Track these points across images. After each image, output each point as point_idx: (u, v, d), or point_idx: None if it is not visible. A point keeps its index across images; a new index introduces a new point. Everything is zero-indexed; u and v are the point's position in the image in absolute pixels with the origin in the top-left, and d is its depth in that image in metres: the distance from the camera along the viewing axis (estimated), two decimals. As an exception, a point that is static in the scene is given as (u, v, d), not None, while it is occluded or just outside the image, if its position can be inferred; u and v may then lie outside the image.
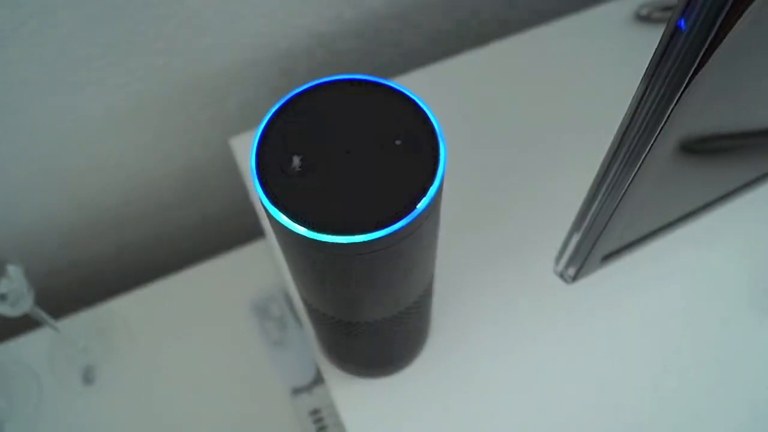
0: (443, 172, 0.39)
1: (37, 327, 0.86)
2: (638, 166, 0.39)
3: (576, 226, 0.49)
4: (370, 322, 0.50)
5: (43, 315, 0.76)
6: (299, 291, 0.50)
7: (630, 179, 0.40)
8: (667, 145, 0.37)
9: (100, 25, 0.68)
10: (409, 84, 0.82)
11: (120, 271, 1.02)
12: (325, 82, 0.42)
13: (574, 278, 0.53)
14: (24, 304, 0.71)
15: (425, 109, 0.41)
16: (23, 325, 0.85)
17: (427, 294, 0.53)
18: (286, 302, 0.85)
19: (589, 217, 0.46)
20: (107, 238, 0.96)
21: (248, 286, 0.86)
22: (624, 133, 0.38)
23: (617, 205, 0.43)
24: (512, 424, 0.63)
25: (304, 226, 0.38)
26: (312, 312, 0.52)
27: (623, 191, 0.42)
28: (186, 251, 1.05)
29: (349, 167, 0.39)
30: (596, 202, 0.45)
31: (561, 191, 0.74)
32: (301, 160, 0.39)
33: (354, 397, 0.64)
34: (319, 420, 0.78)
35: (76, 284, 1.00)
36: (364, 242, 0.37)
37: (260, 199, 0.39)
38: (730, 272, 0.70)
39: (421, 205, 0.38)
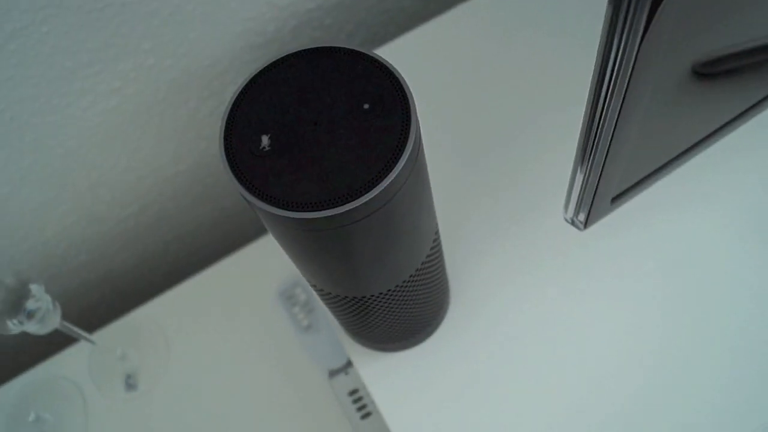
0: (416, 130, 0.38)
1: (74, 342, 0.87)
2: (624, 89, 0.36)
3: (576, 166, 0.46)
4: (377, 295, 0.49)
5: (73, 329, 0.77)
6: (302, 272, 0.49)
7: (619, 105, 0.38)
8: (651, 68, 0.35)
9: (84, 32, 0.68)
10: (400, 48, 0.80)
11: (146, 276, 1.03)
12: (287, 56, 0.40)
13: (586, 224, 0.51)
14: (52, 321, 0.72)
15: (392, 69, 0.39)
16: (60, 342, 0.86)
17: (432, 260, 0.51)
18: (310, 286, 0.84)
19: (586, 154, 0.44)
20: (129, 246, 0.97)
21: (272, 275, 0.86)
22: (603, 59, 0.36)
23: (612, 136, 0.41)
24: (540, 382, 0.62)
25: (279, 206, 0.36)
26: (320, 292, 0.51)
27: (615, 120, 0.39)
28: (209, 247, 1.05)
29: (319, 139, 0.38)
30: (591, 137, 0.42)
31: (559, 137, 0.71)
32: (270, 138, 0.38)
33: (381, 373, 0.63)
34: (358, 399, 0.77)
35: (105, 295, 1.00)
36: (342, 214, 0.36)
37: (234, 184, 0.38)
38: (750, 203, 0.67)
39: (397, 168, 0.36)
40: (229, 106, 0.39)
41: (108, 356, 0.87)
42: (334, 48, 0.40)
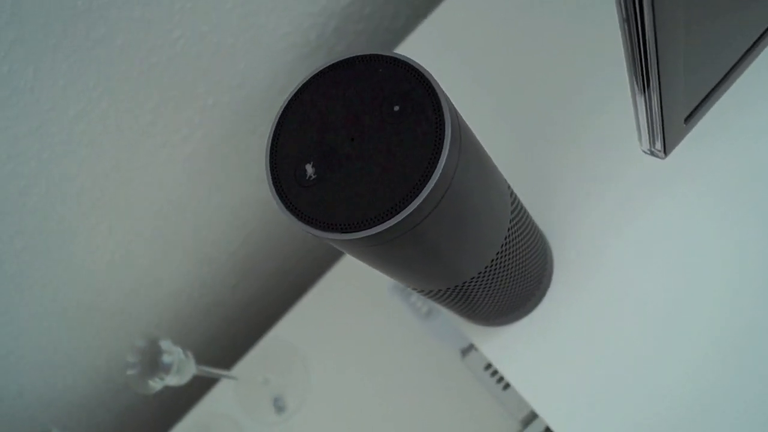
0: (452, 118, 0.37)
1: (215, 381, 0.91)
2: None
3: (634, 95, 0.44)
4: (469, 281, 0.48)
5: (211, 371, 0.80)
6: (392, 278, 0.49)
7: (652, 15, 0.35)
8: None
9: (140, 95, 0.70)
10: (440, 21, 0.78)
11: (266, 299, 1.06)
12: (310, 79, 0.40)
13: (665, 150, 0.49)
14: (189, 369, 0.75)
15: (413, 64, 0.38)
16: (204, 385, 0.91)
17: (518, 232, 0.50)
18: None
19: (638, 77, 0.42)
20: (246, 275, 1.00)
21: (380, 273, 0.87)
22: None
23: (656, 49, 0.38)
24: (657, 333, 0.59)
25: (342, 231, 0.37)
26: (415, 290, 0.51)
27: (653, 32, 0.37)
28: (319, 258, 1.06)
29: (359, 155, 0.37)
30: (636, 59, 0.40)
31: (607, 78, 0.67)
32: (313, 166, 0.38)
33: (502, 347, 0.62)
34: (495, 372, 0.77)
35: (232, 328, 1.04)
36: (402, 221, 0.36)
37: (296, 223, 0.38)
38: None
39: (441, 160, 0.36)
40: (270, 140, 0.40)
41: (252, 385, 0.90)
42: (351, 58, 0.39)
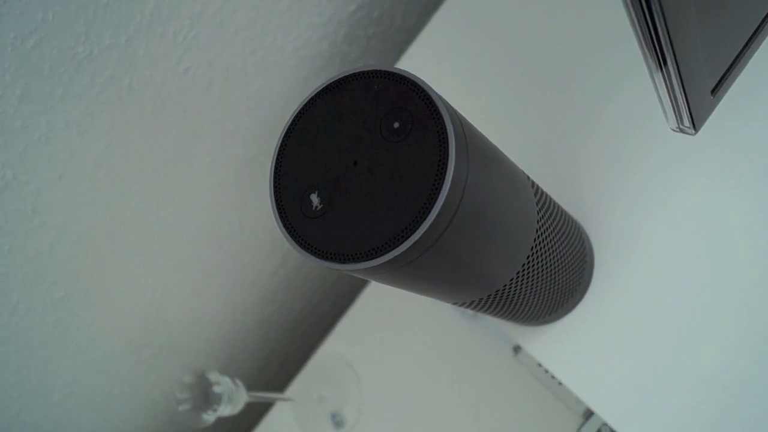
0: (454, 126, 0.35)
1: (270, 406, 0.91)
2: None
3: (652, 72, 0.41)
4: (503, 287, 0.46)
5: (264, 396, 0.80)
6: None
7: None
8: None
9: (157, 134, 0.70)
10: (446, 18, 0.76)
11: (313, 315, 1.05)
12: (307, 103, 0.39)
13: (695, 126, 0.46)
14: (240, 397, 0.75)
15: (406, 75, 0.36)
16: (261, 410, 0.90)
17: (548, 231, 0.48)
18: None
19: (652, 52, 0.39)
20: (289, 294, 0.99)
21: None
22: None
23: (665, 20, 0.36)
24: (706, 316, 0.57)
25: (360, 260, 0.35)
26: (450, 303, 0.49)
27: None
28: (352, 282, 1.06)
29: (363, 179, 0.36)
30: (647, 32, 0.37)
31: (624, 60, 0.64)
32: (318, 196, 0.36)
33: (548, 345, 0.60)
34: (549, 367, 0.75)
35: (282, 350, 1.04)
36: (416, 243, 0.34)
37: (309, 257, 0.37)
38: None
39: (449, 171, 0.34)
40: (272, 173, 0.38)
41: (308, 404, 0.89)
42: (342, 78, 0.38)
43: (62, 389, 0.80)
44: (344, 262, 0.35)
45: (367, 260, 0.34)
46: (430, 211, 0.34)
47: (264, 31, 0.71)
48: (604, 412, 0.58)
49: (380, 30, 0.84)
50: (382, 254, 0.34)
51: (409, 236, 0.34)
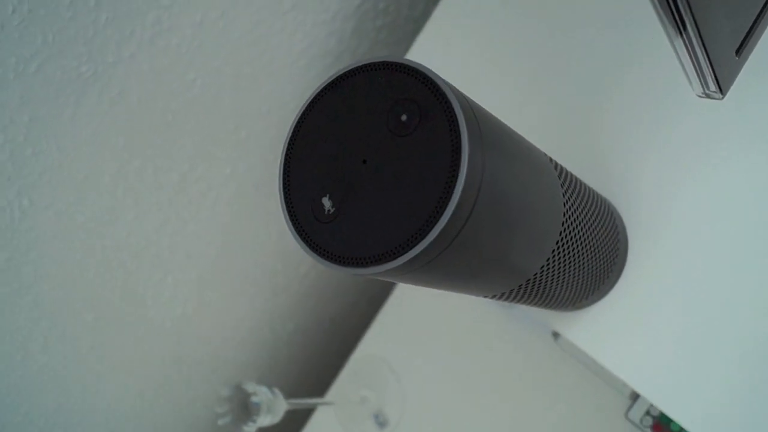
0: (467, 116, 0.33)
1: (312, 411, 0.90)
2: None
3: (671, 37, 0.39)
4: (533, 276, 0.44)
5: (304, 402, 0.79)
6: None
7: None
8: None
9: (172, 148, 0.69)
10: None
11: (349, 317, 1.04)
12: (312, 100, 0.37)
13: (722, 90, 0.43)
14: (280, 406, 0.74)
15: (411, 64, 0.34)
16: (303, 417, 0.90)
17: (576, 213, 0.46)
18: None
19: (667, 17, 0.37)
20: (322, 295, 0.98)
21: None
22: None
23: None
24: (746, 290, 0.54)
25: (380, 263, 0.33)
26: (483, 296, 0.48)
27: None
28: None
29: (375, 178, 0.34)
30: None
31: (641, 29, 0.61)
32: (330, 198, 0.35)
33: (585, 330, 0.58)
34: (591, 350, 0.73)
35: (318, 354, 1.03)
36: (435, 241, 0.32)
37: (325, 264, 0.35)
38: None
39: (463, 162, 0.32)
40: (281, 178, 0.37)
41: (350, 406, 0.88)
42: (345, 73, 0.36)
43: (104, 412, 0.80)
44: (362, 266, 0.34)
45: (384, 263, 0.33)
46: (445, 208, 0.32)
47: (269, 33, 0.70)
48: (648, 393, 0.56)
49: (388, 21, 0.82)
50: (398, 256, 0.33)
51: (425, 236, 0.32)
